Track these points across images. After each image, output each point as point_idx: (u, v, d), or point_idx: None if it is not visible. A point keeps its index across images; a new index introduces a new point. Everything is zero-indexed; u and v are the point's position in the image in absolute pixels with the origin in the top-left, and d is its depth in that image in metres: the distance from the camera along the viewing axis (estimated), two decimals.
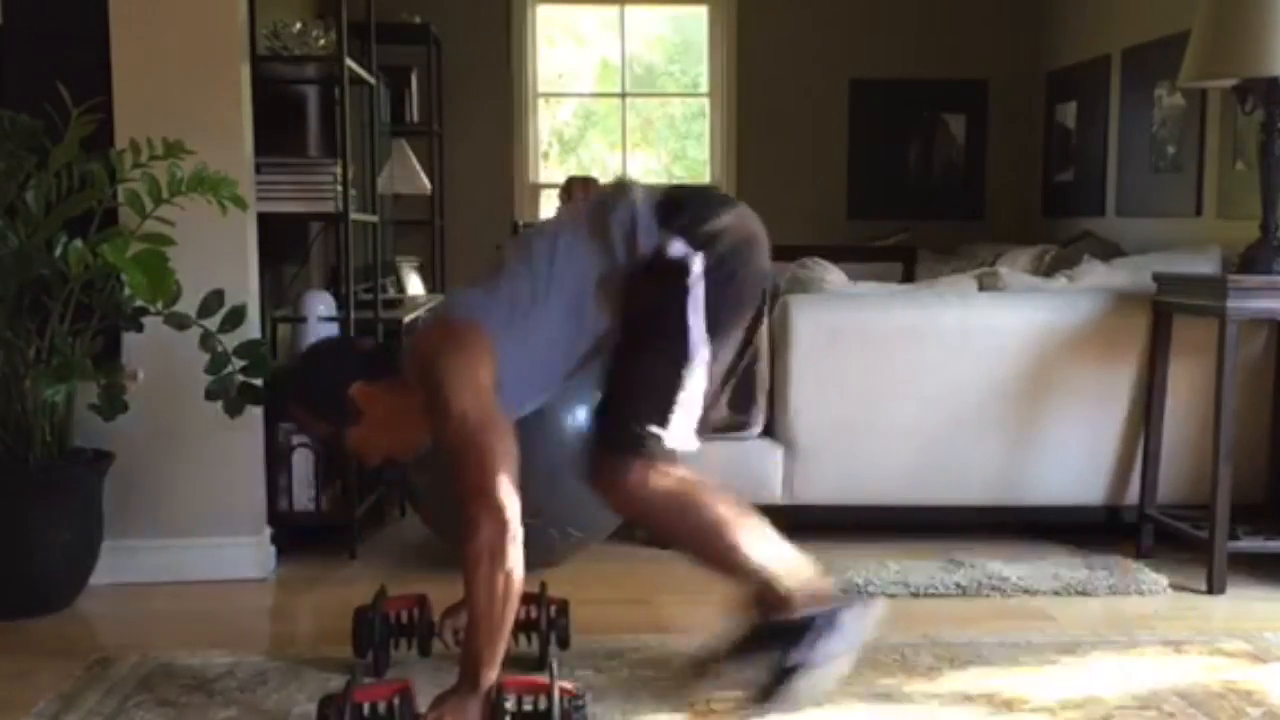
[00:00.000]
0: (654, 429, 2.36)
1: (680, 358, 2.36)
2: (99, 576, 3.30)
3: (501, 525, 2.20)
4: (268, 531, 3.58)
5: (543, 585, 2.75)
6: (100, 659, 2.79)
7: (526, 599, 2.62)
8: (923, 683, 2.67)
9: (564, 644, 2.72)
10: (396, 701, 2.23)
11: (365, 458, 2.55)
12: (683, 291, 2.36)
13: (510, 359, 2.34)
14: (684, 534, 2.46)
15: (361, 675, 2.33)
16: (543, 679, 2.26)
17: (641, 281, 2.41)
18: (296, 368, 2.59)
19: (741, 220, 2.49)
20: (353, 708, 2.19)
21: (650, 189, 2.52)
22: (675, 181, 2.53)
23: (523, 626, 2.71)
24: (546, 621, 2.70)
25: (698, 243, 2.38)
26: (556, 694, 2.21)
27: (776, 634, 2.44)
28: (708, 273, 2.37)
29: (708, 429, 2.48)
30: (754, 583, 2.46)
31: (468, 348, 2.31)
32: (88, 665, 2.76)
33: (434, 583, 3.43)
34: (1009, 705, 2.54)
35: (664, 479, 2.39)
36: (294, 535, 3.69)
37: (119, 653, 2.83)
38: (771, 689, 2.41)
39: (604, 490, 2.45)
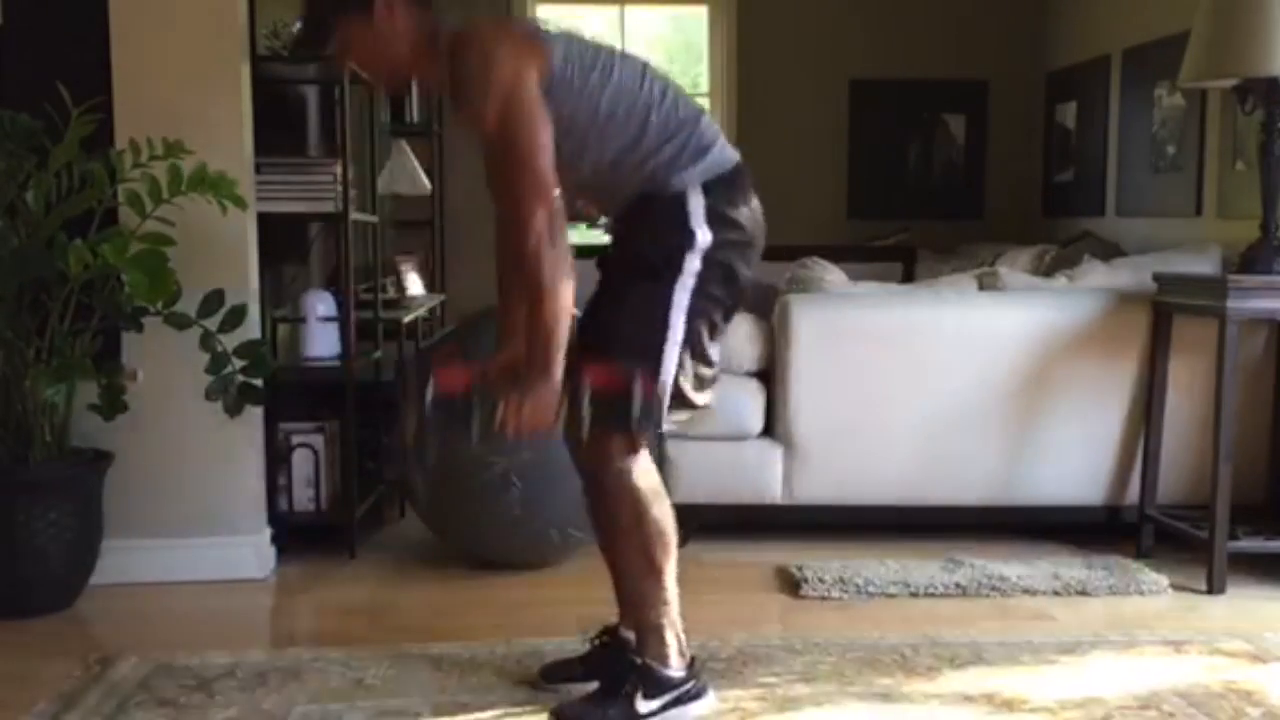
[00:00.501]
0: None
1: (659, 346, 2.32)
2: (99, 576, 3.30)
3: (554, 210, 2.20)
4: (268, 531, 3.58)
5: None
6: (100, 659, 2.79)
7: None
8: (923, 683, 2.67)
9: None
10: (475, 394, 2.20)
11: (344, 57, 2.46)
12: (676, 268, 2.32)
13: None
14: (625, 531, 2.40)
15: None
16: (619, 369, 2.22)
17: (642, 217, 2.36)
18: None
19: (755, 219, 2.43)
20: (436, 396, 2.17)
21: (723, 150, 2.41)
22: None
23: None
24: None
25: (714, 219, 2.33)
26: (638, 386, 2.18)
27: (641, 676, 2.41)
28: (705, 258, 2.33)
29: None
30: (652, 618, 2.43)
31: (526, 51, 2.26)
32: (88, 665, 2.76)
33: (435, 582, 3.44)
34: (1009, 705, 2.54)
35: (640, 465, 2.37)
36: (294, 535, 3.69)
37: (119, 653, 2.83)
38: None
39: (584, 461, 2.42)
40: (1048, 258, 4.72)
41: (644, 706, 2.40)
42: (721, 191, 2.36)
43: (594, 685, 2.49)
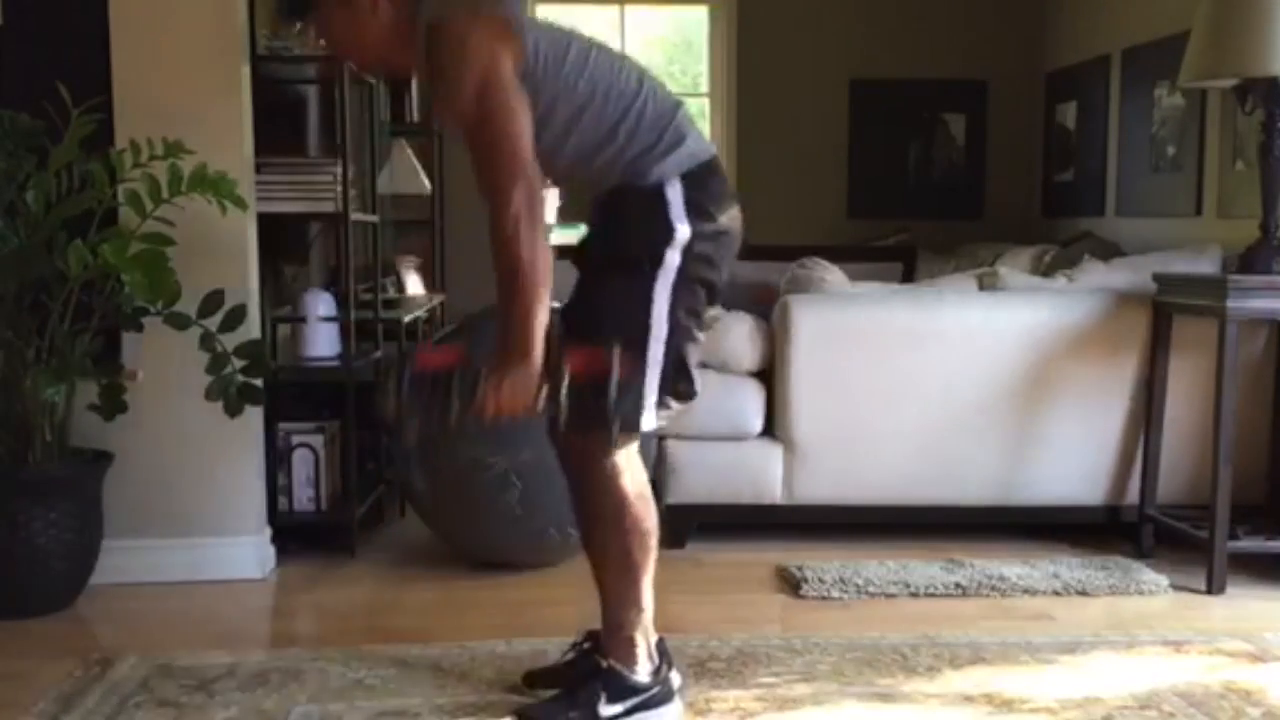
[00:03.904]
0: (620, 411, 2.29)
1: (641, 341, 2.30)
2: (99, 576, 3.30)
3: (532, 188, 2.18)
4: (268, 531, 3.58)
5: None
6: (100, 659, 2.80)
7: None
8: (923, 683, 2.67)
9: None
10: (457, 370, 2.18)
11: (325, 35, 2.44)
12: (657, 262, 2.30)
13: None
14: (606, 528, 2.40)
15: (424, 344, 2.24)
16: (601, 351, 2.19)
17: (620, 210, 2.34)
18: None
19: (733, 215, 2.42)
20: (414, 374, 2.16)
21: (698, 142, 2.39)
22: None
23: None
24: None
25: (693, 211, 2.31)
26: (615, 368, 2.16)
27: (606, 679, 2.41)
28: (685, 252, 2.30)
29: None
30: (624, 620, 2.42)
31: (500, 38, 2.25)
32: (88, 665, 2.76)
33: (435, 582, 3.45)
34: (1009, 705, 2.54)
35: (627, 464, 2.36)
36: (294, 535, 3.69)
37: (119, 653, 2.84)
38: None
39: (569, 457, 2.42)
40: (1048, 258, 4.72)
41: (606, 710, 2.39)
42: (699, 184, 2.35)
43: None
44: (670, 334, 2.34)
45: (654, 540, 2.43)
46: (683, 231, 2.31)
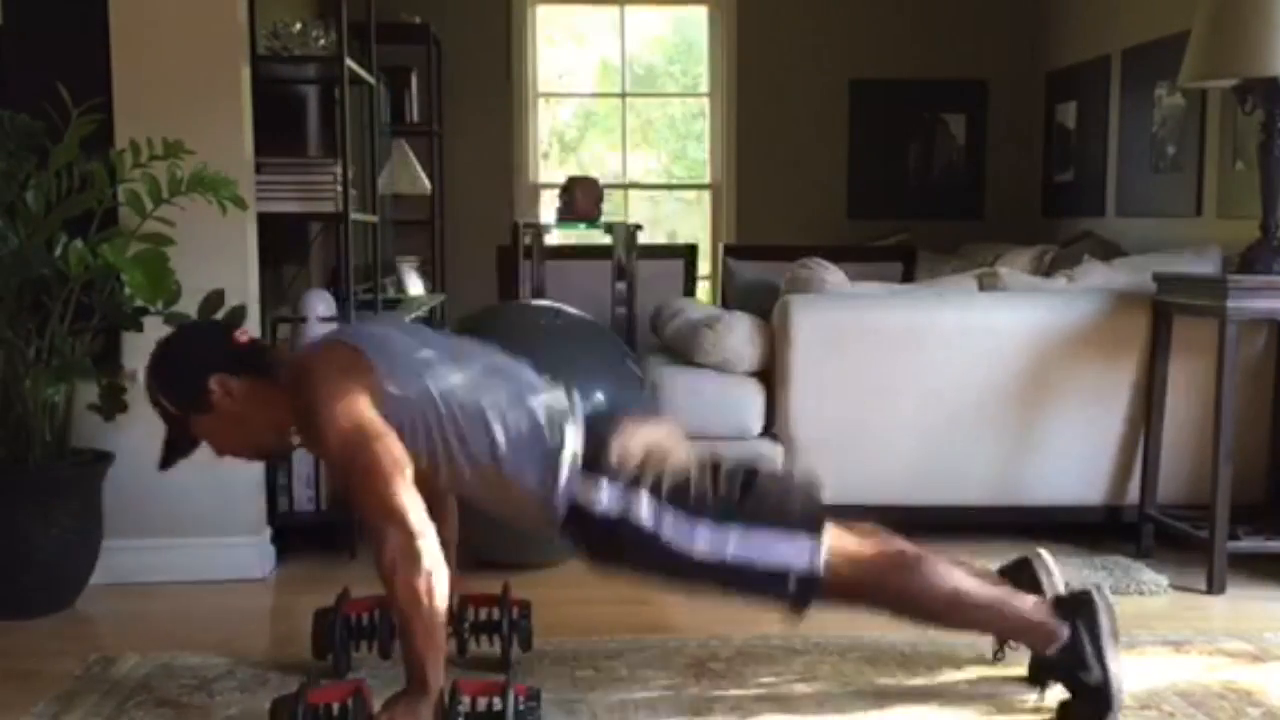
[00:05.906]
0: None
1: (683, 564, 2.34)
2: (99, 576, 3.30)
3: (406, 529, 2.18)
4: (268, 531, 3.58)
5: (505, 586, 2.76)
6: (100, 659, 2.80)
7: (488, 600, 2.68)
8: (923, 683, 2.67)
9: (526, 645, 2.72)
10: (350, 702, 2.22)
11: (213, 448, 2.50)
12: (632, 540, 2.33)
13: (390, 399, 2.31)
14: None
15: (318, 679, 2.31)
16: (497, 680, 2.24)
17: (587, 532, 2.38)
18: (163, 343, 2.52)
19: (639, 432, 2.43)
20: (306, 708, 2.18)
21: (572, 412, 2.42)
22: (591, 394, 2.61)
23: (484, 628, 2.72)
24: (509, 624, 2.69)
25: (629, 479, 2.34)
26: (511, 695, 2.19)
27: (1054, 662, 2.48)
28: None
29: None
30: (1014, 627, 2.53)
31: (354, 378, 2.28)
32: (88, 665, 2.76)
33: None
34: (1009, 705, 2.54)
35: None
36: (294, 535, 3.69)
37: (119, 653, 2.84)
38: (1094, 712, 2.43)
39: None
40: (1048, 258, 4.72)
41: (1108, 664, 2.44)
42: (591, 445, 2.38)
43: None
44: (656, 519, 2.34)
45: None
46: (641, 507, 2.33)
